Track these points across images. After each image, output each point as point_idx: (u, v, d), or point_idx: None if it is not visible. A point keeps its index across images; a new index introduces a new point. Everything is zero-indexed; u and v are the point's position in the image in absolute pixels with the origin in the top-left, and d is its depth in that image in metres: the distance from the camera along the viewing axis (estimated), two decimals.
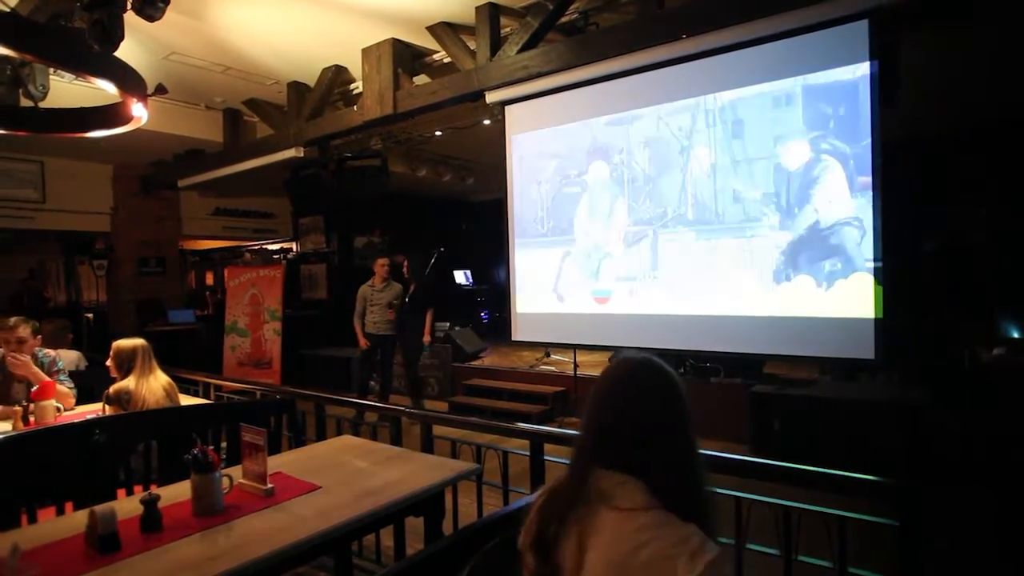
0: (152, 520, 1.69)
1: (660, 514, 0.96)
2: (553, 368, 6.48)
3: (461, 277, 10.75)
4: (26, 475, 2.27)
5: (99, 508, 1.60)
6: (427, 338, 6.02)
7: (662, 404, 1.04)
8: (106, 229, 8.16)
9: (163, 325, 7.76)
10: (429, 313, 6.02)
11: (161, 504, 1.73)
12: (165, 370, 3.09)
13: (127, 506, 1.79)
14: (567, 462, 1.21)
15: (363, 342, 5.92)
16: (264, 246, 11.04)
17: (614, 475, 1.00)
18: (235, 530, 1.72)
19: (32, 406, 3.00)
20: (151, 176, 7.95)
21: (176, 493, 1.92)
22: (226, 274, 8.44)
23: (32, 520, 2.16)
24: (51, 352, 3.39)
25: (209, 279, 13.14)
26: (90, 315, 9.14)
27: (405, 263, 6.20)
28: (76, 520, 1.78)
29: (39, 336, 3.28)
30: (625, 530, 0.96)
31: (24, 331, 3.15)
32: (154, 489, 1.99)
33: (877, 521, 1.63)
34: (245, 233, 9.92)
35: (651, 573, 0.92)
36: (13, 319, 3.20)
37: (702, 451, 1.04)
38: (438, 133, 6.11)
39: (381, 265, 6.01)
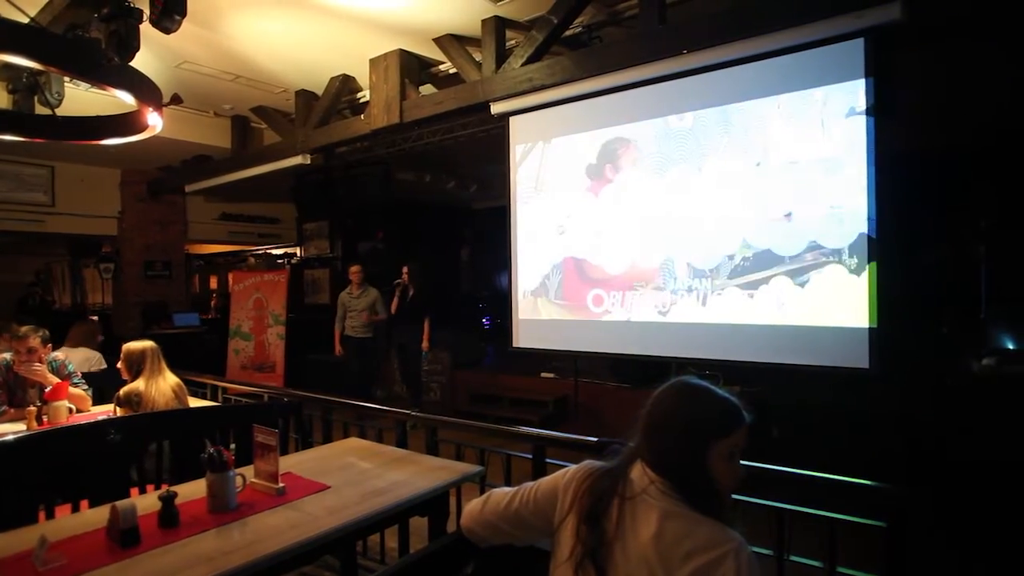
0: (170, 516, 1.76)
1: (696, 514, 1.12)
2: (554, 375, 6.53)
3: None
4: (42, 473, 2.34)
5: (120, 503, 1.67)
6: (425, 344, 6.20)
7: (676, 423, 1.20)
8: (113, 233, 8.25)
9: (168, 328, 7.83)
10: (427, 320, 6.16)
11: (177, 501, 1.80)
12: (172, 372, 3.16)
13: (145, 503, 1.85)
14: (570, 465, 1.30)
15: (338, 349, 6.46)
16: (268, 251, 11.13)
17: (649, 472, 1.18)
18: (249, 526, 1.79)
19: (45, 407, 3.08)
20: (158, 181, 8.05)
21: (191, 491, 1.99)
22: (230, 278, 8.52)
23: (50, 516, 2.23)
24: (60, 355, 3.46)
25: (213, 283, 13.23)
26: (95, 317, 9.23)
27: (406, 269, 6.31)
28: (95, 516, 1.85)
29: (49, 344, 3.34)
30: (665, 525, 1.12)
31: (34, 341, 3.21)
32: (168, 488, 2.06)
33: (866, 523, 1.69)
34: (250, 238, 10.01)
35: (696, 562, 1.07)
36: (24, 329, 3.26)
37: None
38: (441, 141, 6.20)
39: (354, 272, 6.41)
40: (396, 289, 6.17)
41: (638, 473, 1.19)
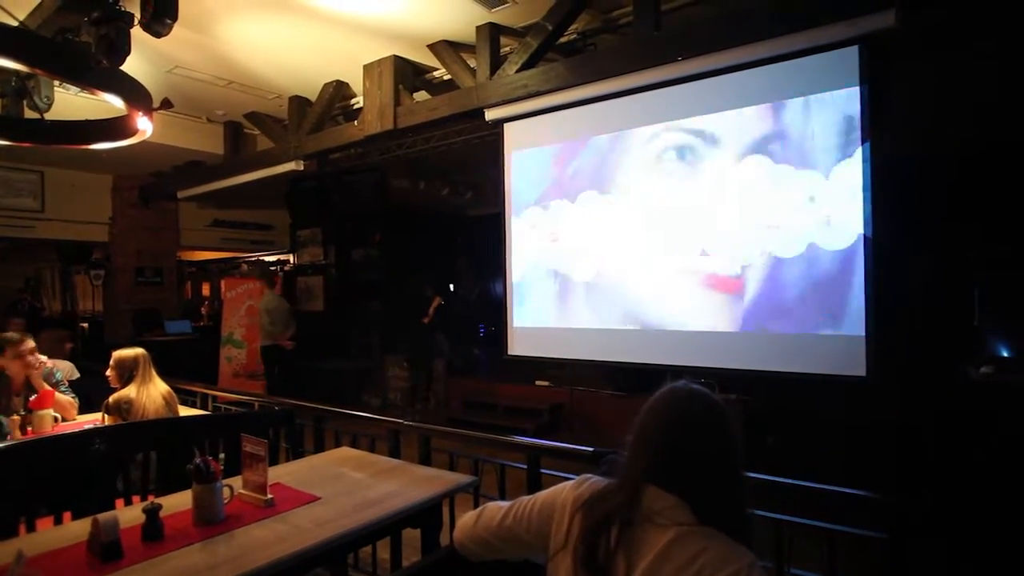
0: (154, 529, 1.71)
1: (708, 530, 1.03)
2: (549, 383, 6.48)
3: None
4: (24, 484, 2.28)
5: (102, 516, 1.62)
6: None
7: (710, 435, 1.10)
8: (104, 239, 8.18)
9: (160, 335, 7.75)
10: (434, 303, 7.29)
11: (162, 513, 1.75)
12: (162, 380, 3.11)
13: (129, 515, 1.81)
14: (566, 476, 1.25)
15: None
16: (261, 258, 11.06)
17: (664, 496, 1.07)
18: (236, 539, 1.74)
19: (30, 415, 3.02)
20: (150, 187, 7.99)
21: (177, 503, 1.94)
22: (223, 285, 8.45)
23: (31, 529, 2.17)
24: (48, 362, 3.40)
25: (206, 290, 13.13)
26: (85, 324, 9.14)
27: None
28: (76, 529, 1.79)
29: (34, 348, 3.29)
30: (675, 545, 1.02)
31: (28, 344, 3.18)
32: (154, 499, 2.01)
33: (866, 535, 1.66)
34: (243, 245, 9.95)
35: None
36: (10, 333, 3.23)
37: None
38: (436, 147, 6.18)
39: None
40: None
41: (648, 496, 1.07)
